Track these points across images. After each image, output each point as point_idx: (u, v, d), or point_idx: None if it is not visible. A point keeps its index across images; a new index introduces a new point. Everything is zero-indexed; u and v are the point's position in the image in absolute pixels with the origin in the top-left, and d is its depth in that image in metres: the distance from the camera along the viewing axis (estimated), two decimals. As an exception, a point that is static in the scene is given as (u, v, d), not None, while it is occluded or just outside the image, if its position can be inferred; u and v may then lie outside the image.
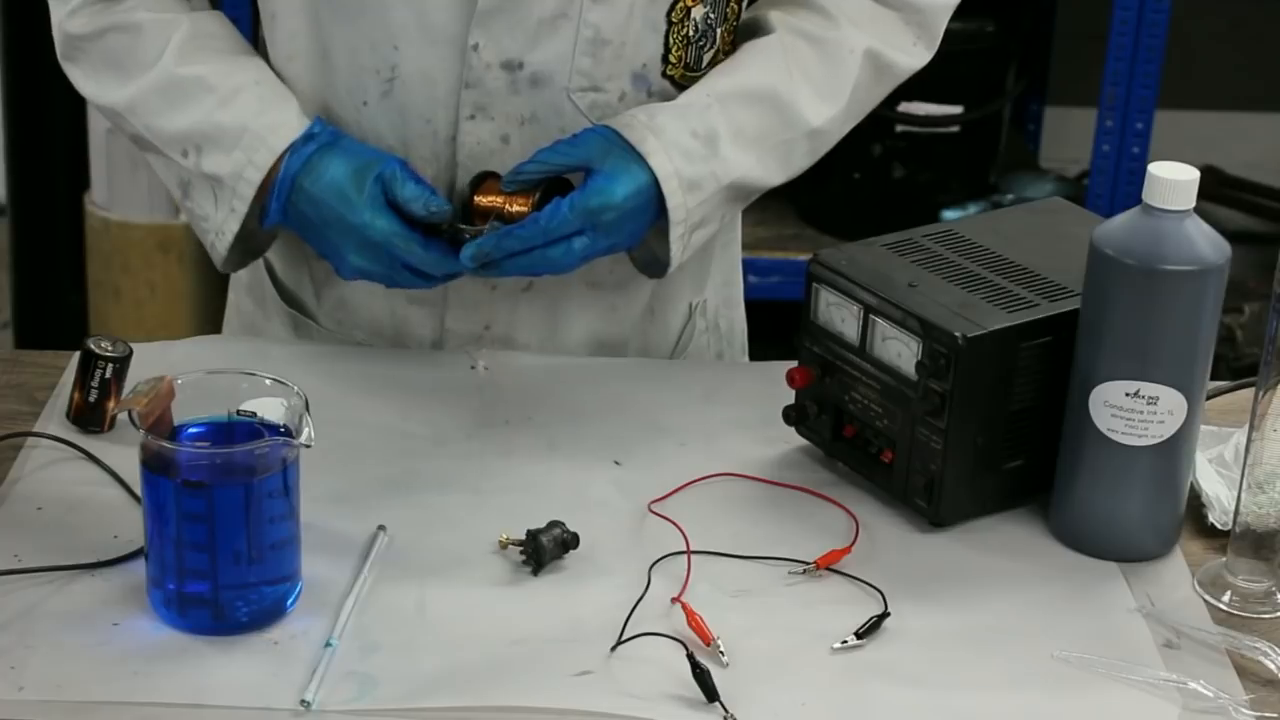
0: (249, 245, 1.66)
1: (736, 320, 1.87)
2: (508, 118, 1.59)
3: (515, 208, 1.55)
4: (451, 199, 1.61)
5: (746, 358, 1.87)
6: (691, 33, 1.61)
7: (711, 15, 1.62)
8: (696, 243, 1.61)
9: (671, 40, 1.61)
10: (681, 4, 1.59)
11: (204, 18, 1.63)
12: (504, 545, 1.42)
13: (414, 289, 1.61)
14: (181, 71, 1.59)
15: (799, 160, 1.64)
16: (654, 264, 1.63)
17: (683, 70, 1.63)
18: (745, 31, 1.66)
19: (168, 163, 1.63)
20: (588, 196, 1.52)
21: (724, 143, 1.58)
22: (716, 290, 1.83)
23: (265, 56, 1.66)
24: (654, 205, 1.56)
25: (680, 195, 1.56)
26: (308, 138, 1.57)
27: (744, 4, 1.66)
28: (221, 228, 1.60)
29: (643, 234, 1.58)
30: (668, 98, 1.63)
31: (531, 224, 1.52)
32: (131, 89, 1.61)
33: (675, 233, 1.57)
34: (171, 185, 1.65)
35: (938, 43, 1.70)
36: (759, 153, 1.60)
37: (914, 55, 1.68)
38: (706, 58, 1.64)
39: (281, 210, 1.57)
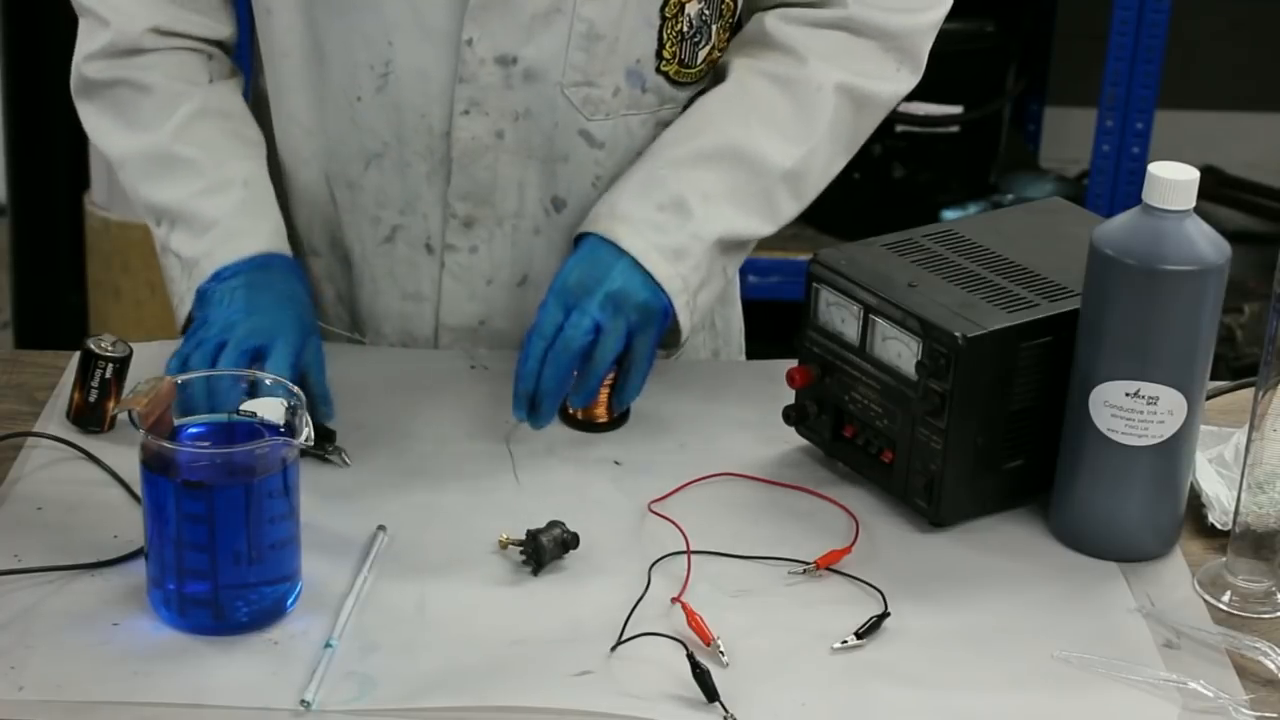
0: None
1: (733, 318, 1.87)
2: (502, 113, 1.59)
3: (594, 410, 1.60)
4: (446, 198, 1.62)
5: (743, 356, 1.87)
6: (686, 29, 1.61)
7: (706, 11, 1.62)
8: (705, 304, 1.61)
9: (665, 36, 1.61)
10: (675, 0, 1.59)
11: (217, 94, 1.64)
12: (504, 545, 1.42)
13: None
14: (177, 149, 1.61)
15: (784, 205, 1.63)
16: (670, 337, 1.62)
17: (677, 66, 1.63)
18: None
19: (146, 221, 1.65)
20: (595, 301, 1.53)
21: (694, 205, 1.58)
22: (713, 290, 1.83)
23: (259, 55, 1.66)
24: (648, 282, 1.56)
25: (666, 266, 1.56)
26: (263, 264, 1.56)
27: (740, 2, 1.65)
28: (184, 297, 1.60)
29: (649, 302, 1.56)
30: (662, 94, 1.63)
31: (528, 344, 1.53)
32: (127, 145, 1.63)
33: (679, 302, 1.57)
34: (154, 235, 1.65)
35: (923, 65, 1.68)
36: (734, 206, 1.60)
37: (898, 81, 1.66)
38: (702, 54, 1.64)
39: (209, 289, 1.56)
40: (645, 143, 1.65)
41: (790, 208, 1.64)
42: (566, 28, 1.57)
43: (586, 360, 1.52)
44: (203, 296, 1.56)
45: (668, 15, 1.60)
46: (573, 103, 1.60)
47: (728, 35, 1.66)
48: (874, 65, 1.64)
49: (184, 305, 1.60)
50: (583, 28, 1.57)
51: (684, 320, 1.58)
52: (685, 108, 1.65)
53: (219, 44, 1.65)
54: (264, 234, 1.59)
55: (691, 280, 1.58)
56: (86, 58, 1.64)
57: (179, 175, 1.60)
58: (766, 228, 1.63)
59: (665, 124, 1.65)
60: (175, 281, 1.62)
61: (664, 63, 1.62)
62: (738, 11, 1.66)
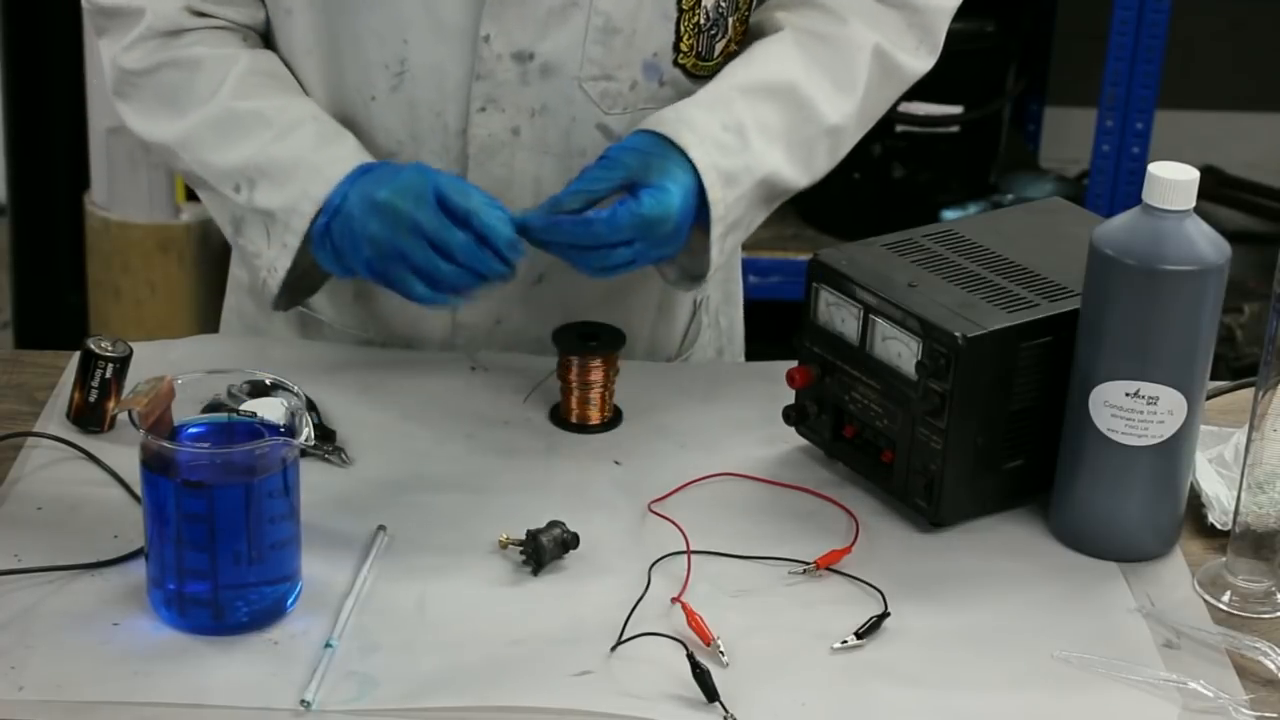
0: (301, 284, 1.62)
1: (736, 318, 1.87)
2: (518, 109, 1.59)
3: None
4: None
5: (743, 357, 1.87)
6: (703, 20, 1.61)
7: (723, 4, 1.62)
8: (730, 246, 1.60)
9: (683, 28, 1.60)
10: None
11: (261, 55, 1.62)
12: (504, 545, 1.42)
13: (447, 294, 1.52)
14: (238, 105, 1.58)
15: (820, 160, 1.63)
16: (690, 268, 1.60)
17: (694, 59, 1.62)
18: (754, 33, 1.66)
19: (220, 200, 1.60)
20: (644, 207, 1.49)
21: (753, 136, 1.57)
22: (718, 286, 1.83)
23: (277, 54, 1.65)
24: (696, 207, 1.55)
25: (719, 189, 1.55)
26: (364, 170, 1.53)
27: None
28: (274, 264, 1.57)
29: (686, 240, 1.55)
30: (680, 87, 1.62)
31: (583, 225, 1.50)
32: (185, 123, 1.60)
33: (716, 231, 1.55)
34: (223, 223, 1.62)
35: (939, 48, 1.69)
36: (784, 148, 1.60)
37: (918, 58, 1.67)
38: (719, 47, 1.63)
39: (326, 226, 1.52)
40: None
41: (824, 164, 1.64)
42: (584, 21, 1.57)
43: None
44: (320, 238, 1.52)
45: (685, 8, 1.60)
46: (590, 97, 1.60)
47: (744, 28, 1.66)
48: (900, 37, 1.65)
49: (277, 269, 1.56)
50: (599, 21, 1.57)
51: (714, 254, 1.56)
52: None
53: (250, 28, 1.64)
54: (347, 156, 1.55)
55: (732, 213, 1.56)
56: (124, 50, 1.61)
57: (248, 129, 1.57)
58: (802, 179, 1.62)
59: None
60: (260, 253, 1.58)
61: (681, 55, 1.62)
62: (754, 3, 1.66)
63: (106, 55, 1.64)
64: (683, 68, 1.62)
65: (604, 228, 1.49)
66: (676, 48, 1.61)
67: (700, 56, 1.63)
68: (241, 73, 1.59)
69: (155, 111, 1.62)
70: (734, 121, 1.57)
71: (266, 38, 1.65)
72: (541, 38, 1.57)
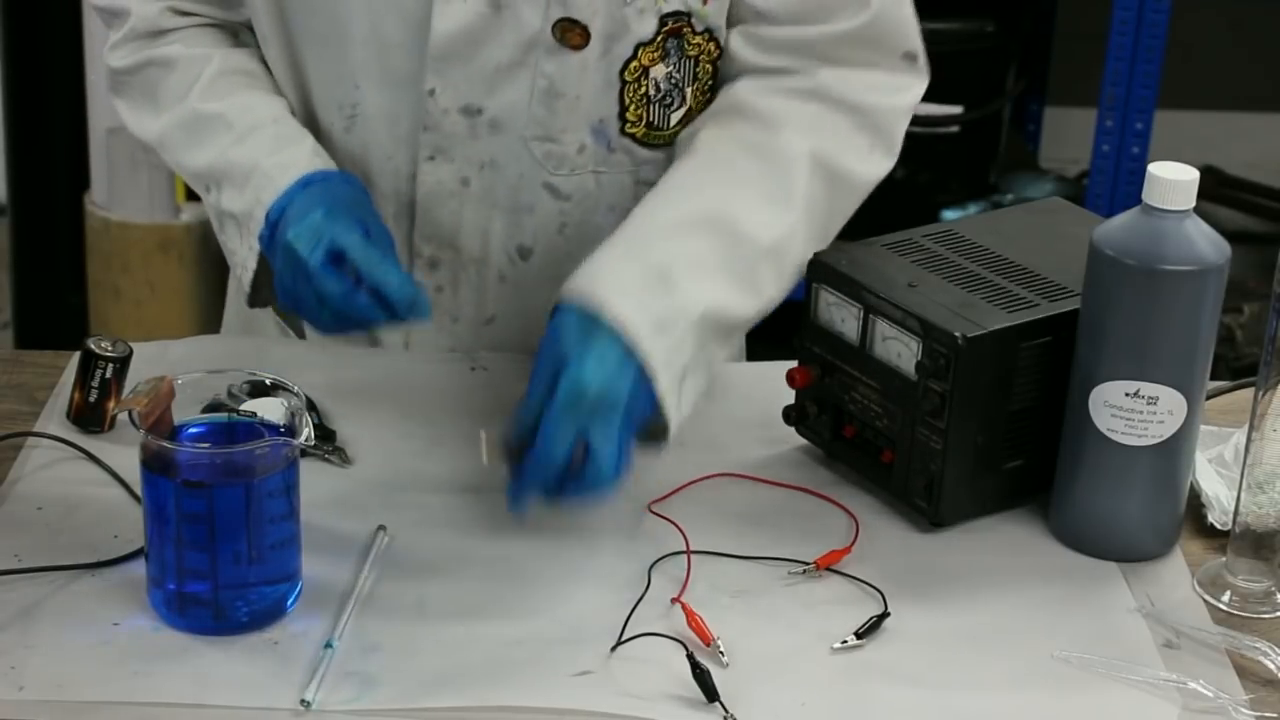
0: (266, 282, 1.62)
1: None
2: (468, 161, 1.58)
3: None
4: (412, 238, 1.62)
5: (744, 358, 1.87)
6: (652, 91, 1.58)
7: (676, 75, 1.58)
8: (692, 391, 1.47)
9: (627, 98, 1.58)
10: (636, 63, 1.56)
11: (235, 54, 1.63)
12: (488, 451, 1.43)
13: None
14: (204, 108, 1.59)
15: (767, 285, 1.52)
16: (657, 428, 1.46)
17: (645, 129, 1.59)
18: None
19: (203, 197, 1.64)
20: (557, 398, 1.39)
21: (680, 275, 1.46)
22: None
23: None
24: (638, 370, 1.42)
25: (650, 340, 1.42)
26: (304, 183, 1.52)
27: (717, 66, 1.59)
28: (245, 263, 1.59)
29: (643, 396, 1.42)
30: (634, 155, 1.60)
31: (531, 464, 1.39)
32: (160, 124, 1.62)
33: (662, 383, 1.42)
34: (212, 218, 1.64)
35: (897, 148, 1.60)
36: (722, 278, 1.48)
37: (871, 163, 1.59)
38: (675, 117, 1.60)
39: (268, 246, 1.53)
40: (615, 196, 1.61)
41: (772, 288, 1.53)
42: (529, 82, 1.55)
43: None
44: (269, 243, 1.52)
45: (628, 78, 1.57)
46: (535, 157, 1.58)
47: (707, 97, 1.61)
48: (846, 142, 1.57)
49: (248, 268, 1.58)
50: (544, 84, 1.55)
51: (670, 406, 1.43)
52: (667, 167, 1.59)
53: (234, 23, 1.65)
54: (301, 161, 1.55)
55: (675, 361, 1.44)
56: (111, 49, 1.64)
57: (212, 133, 1.59)
58: (750, 306, 1.51)
59: (647, 183, 1.58)
60: (235, 251, 1.60)
61: (629, 124, 1.59)
62: (715, 74, 1.60)
63: (107, 48, 1.68)
64: (631, 136, 1.59)
65: (544, 447, 1.38)
66: (623, 116, 1.58)
67: (651, 126, 1.59)
68: (212, 74, 1.60)
69: (142, 108, 1.65)
70: (654, 265, 1.46)
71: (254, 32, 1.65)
72: (488, 95, 1.56)
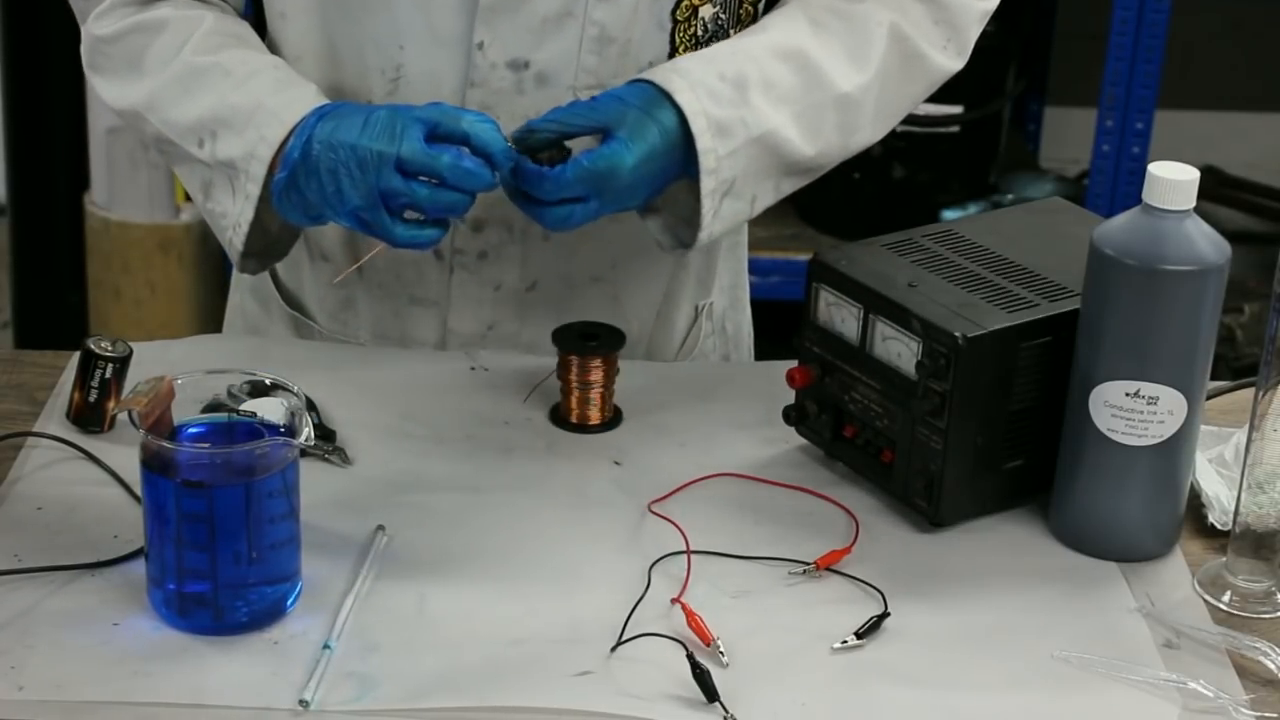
0: (268, 244, 1.60)
1: (743, 323, 1.87)
2: (513, 117, 1.58)
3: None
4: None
5: (752, 360, 1.87)
6: (700, 32, 1.60)
7: (723, 15, 1.60)
8: (729, 214, 1.54)
9: (678, 39, 1.59)
10: (687, 3, 1.58)
11: (226, 19, 1.61)
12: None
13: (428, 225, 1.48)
14: (199, 60, 1.56)
15: (829, 131, 1.58)
16: (682, 231, 1.56)
17: None
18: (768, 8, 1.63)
19: (190, 167, 1.59)
20: (596, 162, 1.46)
21: (754, 91, 1.53)
22: (723, 293, 1.82)
23: None
24: (679, 157, 1.50)
25: (709, 138, 1.50)
26: (322, 112, 1.49)
27: (760, 4, 1.64)
28: (238, 219, 1.55)
29: (660, 186, 1.51)
30: None
31: (535, 178, 1.46)
32: (150, 83, 1.58)
33: (706, 185, 1.50)
34: (195, 191, 1.60)
35: (969, 49, 1.65)
36: (789, 111, 1.55)
37: (946, 55, 1.63)
38: None
39: (289, 172, 1.47)
40: None
41: (833, 137, 1.58)
42: (578, 31, 1.56)
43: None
44: (283, 192, 1.48)
45: (679, 18, 1.58)
46: None
47: None
48: (923, 29, 1.62)
49: (241, 224, 1.53)
50: (594, 31, 1.56)
51: (706, 211, 1.51)
52: None
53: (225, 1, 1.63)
54: (305, 99, 1.52)
55: (725, 170, 1.51)
56: (95, 19, 1.61)
57: (208, 81, 1.55)
58: (807, 147, 1.56)
59: None
60: (225, 212, 1.55)
61: None
62: (757, 15, 1.64)
63: (83, 32, 1.63)
64: None
65: (551, 185, 1.46)
66: (672, 59, 1.59)
67: None
68: (205, 31, 1.57)
69: (123, 75, 1.61)
70: (733, 73, 1.52)
71: (241, 14, 1.64)
72: (536, 47, 1.56)
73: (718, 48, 1.56)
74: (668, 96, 1.50)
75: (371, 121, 1.44)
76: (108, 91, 1.63)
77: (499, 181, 1.45)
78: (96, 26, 1.61)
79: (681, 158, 1.51)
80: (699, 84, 1.51)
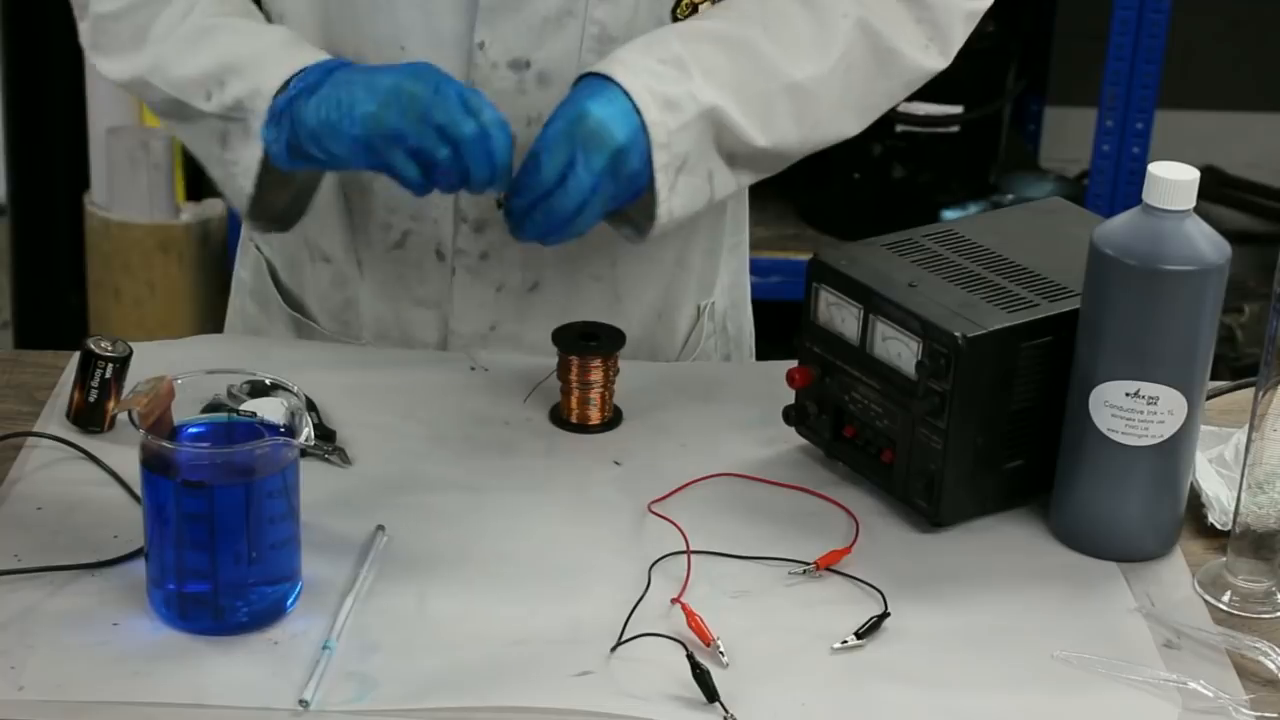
0: (277, 202, 1.59)
1: (745, 323, 1.87)
2: (515, 118, 1.58)
3: None
4: (457, 202, 1.61)
5: (754, 360, 1.87)
6: None
7: None
8: (685, 193, 1.54)
9: None
10: (687, 1, 1.59)
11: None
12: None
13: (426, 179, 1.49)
14: (207, 21, 1.56)
15: (782, 120, 1.57)
16: (645, 220, 1.55)
17: None
18: None
19: (201, 126, 1.57)
20: (558, 118, 1.48)
21: (694, 71, 1.53)
22: (725, 293, 1.82)
23: None
24: (636, 128, 1.49)
25: (657, 111, 1.50)
26: (341, 63, 1.50)
27: None
28: (248, 161, 1.54)
29: (636, 160, 1.50)
30: None
31: (524, 177, 1.48)
32: (155, 49, 1.58)
33: (660, 159, 1.50)
34: (207, 153, 1.59)
35: (953, 49, 1.64)
36: (734, 94, 1.54)
37: (926, 55, 1.62)
38: None
39: (297, 93, 1.48)
40: None
41: (787, 127, 1.57)
42: (579, 30, 1.56)
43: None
44: (278, 116, 1.49)
45: (679, 16, 1.59)
46: None
47: None
48: (903, 28, 1.61)
49: (251, 166, 1.53)
50: (595, 30, 1.57)
51: (661, 184, 1.51)
52: None
53: None
54: (317, 54, 1.52)
55: (678, 144, 1.51)
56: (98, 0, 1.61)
57: (218, 36, 1.55)
58: (760, 136, 1.55)
59: None
60: (239, 158, 1.54)
61: None
62: None
63: (84, 27, 1.63)
64: None
65: (540, 161, 1.47)
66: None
67: None
68: (210, 1, 1.57)
69: (128, 48, 1.60)
70: (671, 56, 1.53)
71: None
72: (537, 46, 1.56)
73: (654, 35, 1.55)
74: (609, 81, 1.50)
75: (412, 68, 1.46)
76: (111, 66, 1.63)
77: (494, 184, 1.47)
78: (98, 5, 1.61)
79: (640, 137, 1.50)
80: (639, 68, 1.51)
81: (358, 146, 1.46)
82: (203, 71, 1.55)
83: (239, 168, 1.56)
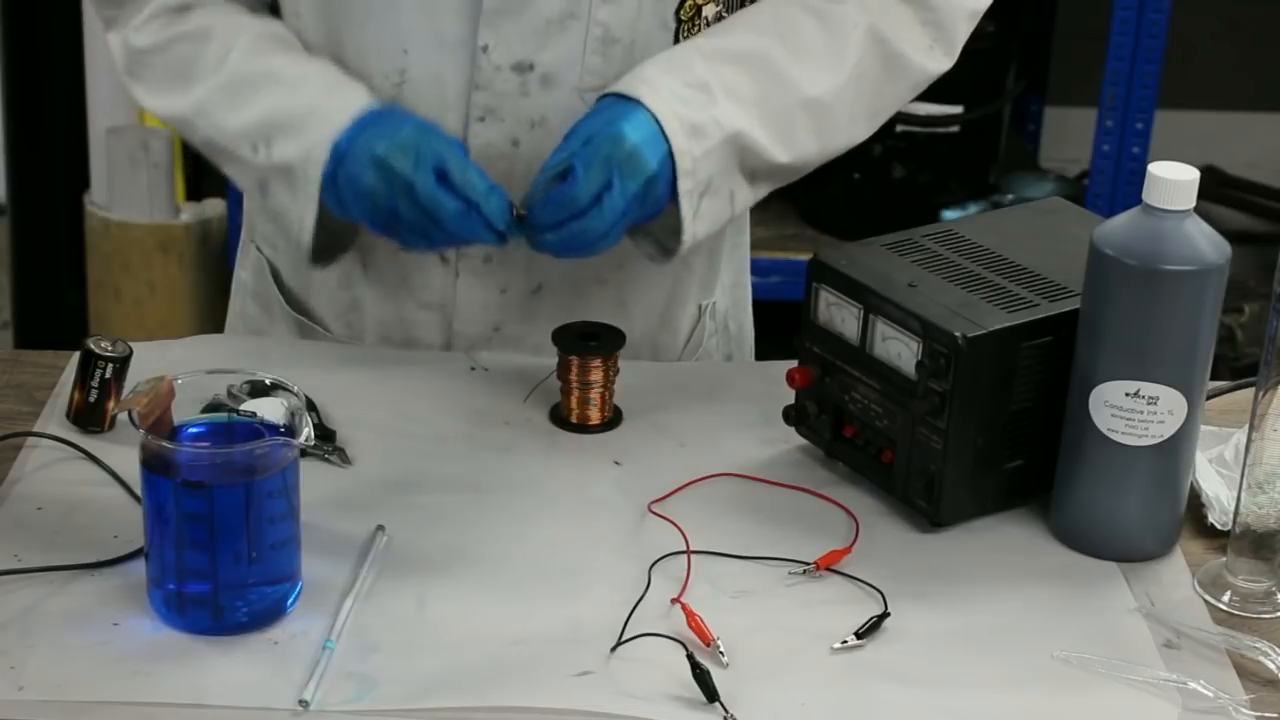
0: (334, 234, 1.60)
1: (746, 323, 1.87)
2: (518, 121, 1.58)
3: None
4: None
5: (754, 360, 1.87)
6: (703, 30, 1.60)
7: (725, 14, 1.60)
8: (709, 215, 1.55)
9: (682, 38, 1.59)
10: (690, 2, 1.58)
11: (270, 22, 1.61)
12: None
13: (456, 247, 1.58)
14: (249, 68, 1.57)
15: (802, 135, 1.58)
16: (667, 238, 1.57)
17: None
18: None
19: (242, 166, 1.60)
20: (597, 145, 1.48)
21: (719, 94, 1.54)
22: (726, 292, 1.82)
23: None
24: (665, 155, 1.50)
25: (683, 139, 1.51)
26: (372, 116, 1.52)
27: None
28: (302, 217, 1.56)
29: (662, 185, 1.51)
30: None
31: (558, 194, 1.48)
32: (199, 92, 1.59)
33: (684, 186, 1.51)
34: (250, 188, 1.62)
35: (957, 49, 1.65)
36: (756, 113, 1.55)
37: (931, 58, 1.63)
38: None
39: (332, 173, 1.51)
40: None
41: (807, 141, 1.59)
42: (582, 32, 1.56)
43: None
44: (328, 184, 1.51)
45: (683, 18, 1.58)
46: (587, 110, 1.59)
47: None
48: (908, 31, 1.61)
49: (306, 224, 1.55)
50: (598, 31, 1.57)
51: (685, 211, 1.52)
52: None
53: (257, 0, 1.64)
54: (355, 101, 1.54)
55: (702, 170, 1.52)
56: (135, 30, 1.62)
57: (258, 88, 1.56)
58: (781, 154, 1.57)
59: None
60: (287, 210, 1.57)
61: None
62: None
63: (116, 41, 1.64)
64: None
65: (575, 184, 1.47)
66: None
67: None
68: (250, 39, 1.58)
69: (168, 85, 1.62)
70: (696, 80, 1.53)
71: (275, 11, 1.64)
72: (541, 49, 1.56)
73: (674, 54, 1.56)
74: (637, 103, 1.51)
75: (399, 138, 1.48)
76: (150, 100, 1.65)
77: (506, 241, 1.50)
78: (136, 39, 1.62)
79: (666, 161, 1.51)
80: (665, 91, 1.52)
81: (371, 221, 1.52)
82: (248, 124, 1.57)
83: (290, 217, 1.58)
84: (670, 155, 1.51)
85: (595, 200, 1.48)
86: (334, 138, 1.51)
